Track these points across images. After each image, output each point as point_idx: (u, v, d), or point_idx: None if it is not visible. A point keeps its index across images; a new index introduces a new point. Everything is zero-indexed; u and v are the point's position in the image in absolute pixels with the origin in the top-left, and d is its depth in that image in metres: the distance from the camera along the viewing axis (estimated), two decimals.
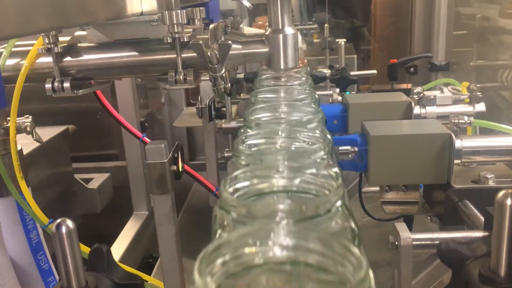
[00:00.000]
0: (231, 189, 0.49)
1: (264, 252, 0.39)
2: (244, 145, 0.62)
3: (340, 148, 0.95)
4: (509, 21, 1.88)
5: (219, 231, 0.45)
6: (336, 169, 0.52)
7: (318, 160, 0.56)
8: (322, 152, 0.56)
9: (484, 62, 2.14)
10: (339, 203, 0.45)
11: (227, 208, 0.44)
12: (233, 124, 1.67)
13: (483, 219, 0.78)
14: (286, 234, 0.40)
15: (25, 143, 1.07)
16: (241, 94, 2.04)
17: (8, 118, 0.96)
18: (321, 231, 0.42)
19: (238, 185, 0.50)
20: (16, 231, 1.01)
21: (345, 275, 0.37)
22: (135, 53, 0.92)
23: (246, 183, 0.51)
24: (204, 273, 0.35)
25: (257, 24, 2.62)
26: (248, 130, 0.67)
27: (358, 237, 0.47)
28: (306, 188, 0.51)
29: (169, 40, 0.87)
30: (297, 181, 0.51)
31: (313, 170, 0.51)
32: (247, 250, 0.39)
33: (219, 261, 0.38)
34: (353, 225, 0.47)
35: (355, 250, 0.37)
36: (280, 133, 0.65)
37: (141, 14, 0.85)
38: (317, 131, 0.65)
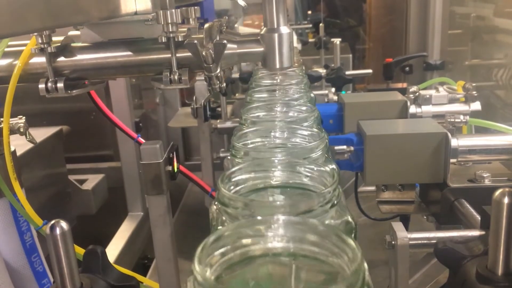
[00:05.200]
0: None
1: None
2: (240, 143, 0.62)
3: (336, 147, 0.95)
4: (503, 20, 1.88)
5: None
6: (333, 166, 0.52)
7: (313, 156, 0.56)
8: (318, 149, 0.56)
9: (479, 61, 2.14)
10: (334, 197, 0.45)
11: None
12: (228, 124, 1.67)
13: (479, 218, 0.78)
14: (282, 227, 0.40)
15: (18, 144, 1.07)
16: (236, 94, 2.04)
17: (1, 119, 0.95)
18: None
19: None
20: (10, 233, 1.01)
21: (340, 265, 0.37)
22: (130, 53, 0.91)
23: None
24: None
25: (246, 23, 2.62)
26: (244, 128, 0.67)
27: (355, 230, 0.47)
28: (301, 183, 0.51)
29: (164, 39, 0.87)
30: (292, 176, 0.52)
31: (309, 166, 0.52)
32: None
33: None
34: (349, 218, 0.47)
35: (350, 241, 0.37)
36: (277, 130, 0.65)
37: (135, 13, 0.85)
38: (314, 129, 0.66)
